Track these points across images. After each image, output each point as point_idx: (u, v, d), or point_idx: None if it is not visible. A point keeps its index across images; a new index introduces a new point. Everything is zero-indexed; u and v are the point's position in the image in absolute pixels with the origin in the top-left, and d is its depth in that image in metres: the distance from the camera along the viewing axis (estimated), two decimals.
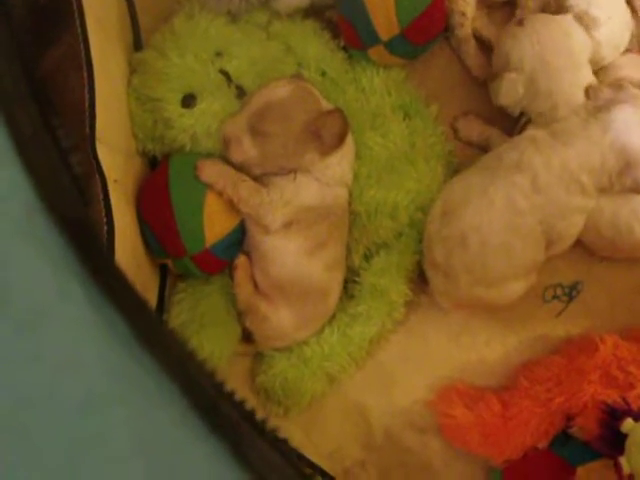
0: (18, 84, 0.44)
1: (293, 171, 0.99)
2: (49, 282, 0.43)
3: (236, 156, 0.97)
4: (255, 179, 0.99)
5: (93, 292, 0.43)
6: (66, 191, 0.44)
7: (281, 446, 0.44)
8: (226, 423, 0.42)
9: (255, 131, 0.96)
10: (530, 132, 1.01)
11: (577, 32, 1.04)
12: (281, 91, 0.97)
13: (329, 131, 0.96)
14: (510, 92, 1.04)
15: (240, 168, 0.99)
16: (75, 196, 0.44)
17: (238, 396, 0.44)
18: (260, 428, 0.44)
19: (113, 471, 0.43)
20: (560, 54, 1.02)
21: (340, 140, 0.97)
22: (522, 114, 1.07)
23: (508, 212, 0.98)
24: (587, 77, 1.04)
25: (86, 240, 0.43)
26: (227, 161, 1.00)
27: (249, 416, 0.44)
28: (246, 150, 0.97)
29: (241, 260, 1.02)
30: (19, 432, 0.41)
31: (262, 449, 0.43)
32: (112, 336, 0.43)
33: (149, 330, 0.43)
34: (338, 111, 0.97)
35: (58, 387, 0.42)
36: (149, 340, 0.43)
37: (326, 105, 1.00)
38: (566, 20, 1.05)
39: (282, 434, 0.44)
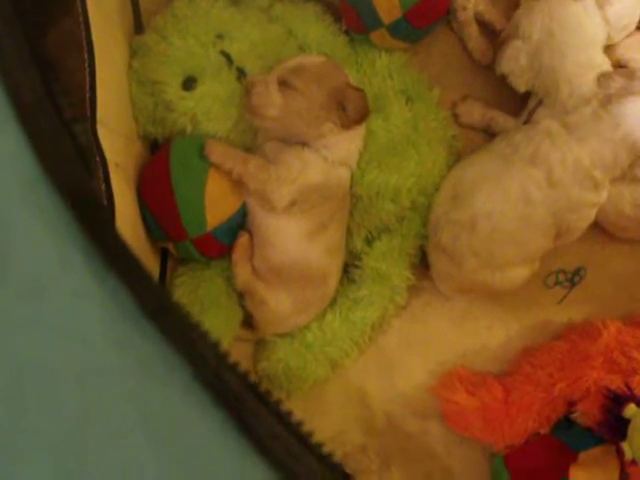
0: (19, 48, 0.43)
1: (302, 143, 0.99)
2: (51, 251, 0.42)
3: (256, 99, 0.96)
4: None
5: (95, 262, 0.43)
6: (69, 160, 0.43)
7: (285, 418, 0.44)
8: (230, 394, 0.42)
9: (284, 83, 0.96)
10: (545, 124, 1.00)
11: (593, 15, 1.02)
12: (315, 58, 1.00)
13: (354, 105, 0.97)
14: (511, 59, 1.03)
15: (248, 149, 1.00)
16: (79, 165, 0.43)
17: (242, 368, 0.43)
18: (264, 400, 0.43)
19: (115, 443, 0.42)
20: (569, 32, 1.00)
21: (362, 117, 0.99)
22: (531, 97, 1.06)
23: (521, 202, 0.98)
24: (596, 61, 1.02)
25: (89, 210, 0.43)
26: (231, 143, 1.00)
27: (253, 388, 0.43)
28: (270, 95, 0.96)
29: (243, 239, 1.01)
30: (18, 401, 0.41)
31: (266, 421, 0.43)
32: (114, 307, 0.42)
33: (152, 301, 0.43)
34: (363, 91, 0.99)
35: (57, 356, 0.42)
36: (152, 311, 0.43)
37: (354, 83, 1.01)
38: (585, 3, 1.02)
39: (285, 407, 0.43)
